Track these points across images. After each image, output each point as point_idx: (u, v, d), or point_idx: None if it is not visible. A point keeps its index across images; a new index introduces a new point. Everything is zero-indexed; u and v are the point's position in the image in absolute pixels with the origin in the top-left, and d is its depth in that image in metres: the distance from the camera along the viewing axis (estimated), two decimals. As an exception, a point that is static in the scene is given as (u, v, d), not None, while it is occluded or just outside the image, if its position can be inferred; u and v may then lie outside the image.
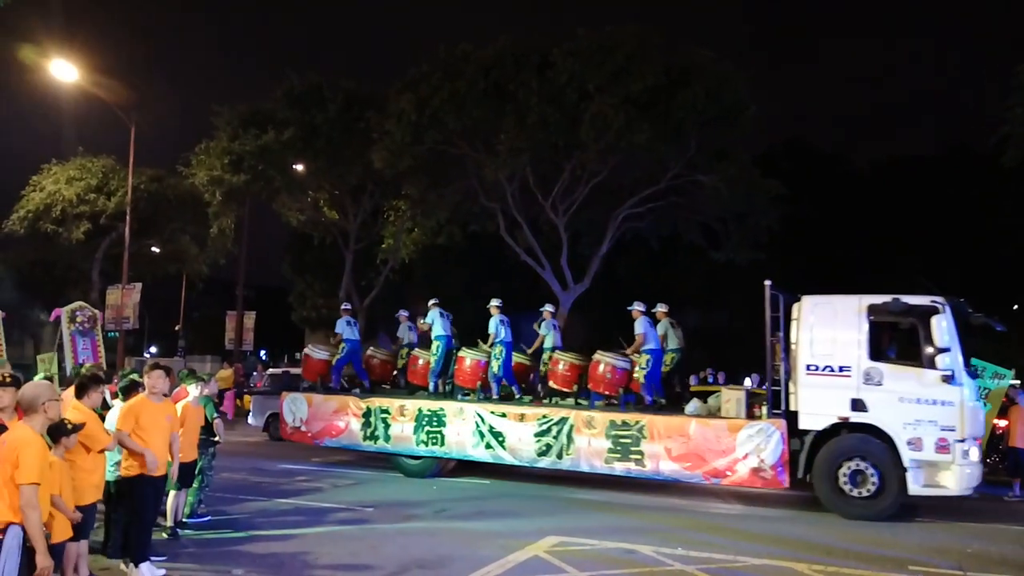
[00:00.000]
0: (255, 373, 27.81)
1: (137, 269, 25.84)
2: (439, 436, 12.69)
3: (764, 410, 10.86)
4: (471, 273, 31.16)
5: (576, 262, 22.28)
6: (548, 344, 13.19)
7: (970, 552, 8.63)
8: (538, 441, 11.91)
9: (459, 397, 13.03)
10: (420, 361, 13.79)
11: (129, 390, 7.30)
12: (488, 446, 12.29)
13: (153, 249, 29.05)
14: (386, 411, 13.14)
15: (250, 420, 19.43)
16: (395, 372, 14.96)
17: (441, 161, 21.54)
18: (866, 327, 10.46)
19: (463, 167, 21.52)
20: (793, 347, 10.86)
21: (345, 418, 13.43)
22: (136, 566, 6.71)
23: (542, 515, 10.10)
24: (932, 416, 9.97)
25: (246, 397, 24.13)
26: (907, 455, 10.02)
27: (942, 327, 10.03)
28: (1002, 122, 17.42)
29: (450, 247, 25.84)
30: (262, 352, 45.81)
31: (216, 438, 9.24)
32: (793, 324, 10.92)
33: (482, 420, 12.36)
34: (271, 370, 22.27)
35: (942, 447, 9.90)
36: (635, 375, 12.04)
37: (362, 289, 27.43)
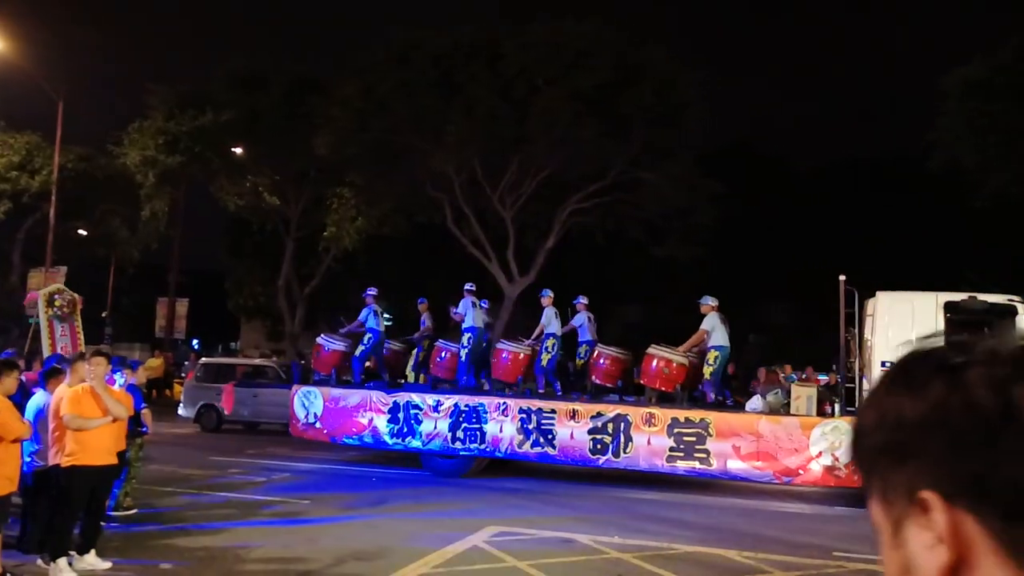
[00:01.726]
0: (187, 362, 27.00)
1: (62, 252, 24.69)
2: (478, 433, 11.90)
3: (836, 407, 10.67)
4: (416, 263, 30.87)
5: (522, 255, 22.25)
6: (582, 338, 12.64)
7: None
8: (592, 439, 11.31)
9: (494, 392, 12.36)
10: (445, 353, 13.05)
11: (51, 376, 6.93)
12: (535, 444, 11.58)
13: (80, 232, 27.83)
14: (417, 407, 12.23)
15: (181, 411, 18.81)
16: (408, 364, 14.30)
17: (387, 150, 21.24)
18: (942, 324, 10.31)
19: (410, 157, 21.25)
20: (868, 343, 10.77)
21: (368, 414, 12.47)
22: (54, 561, 6.38)
23: (482, 505, 10.08)
24: None
25: (176, 386, 23.43)
26: None
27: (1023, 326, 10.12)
28: (929, 129, 18.07)
29: (395, 237, 25.52)
30: (195, 341, 44.52)
31: (143, 428, 8.86)
32: (868, 320, 10.83)
33: (528, 416, 11.66)
34: (204, 359, 21.60)
35: None
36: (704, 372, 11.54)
37: (303, 278, 26.86)
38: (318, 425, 12.83)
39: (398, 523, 8.89)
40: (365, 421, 12.49)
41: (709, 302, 11.63)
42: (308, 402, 12.93)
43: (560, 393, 12.14)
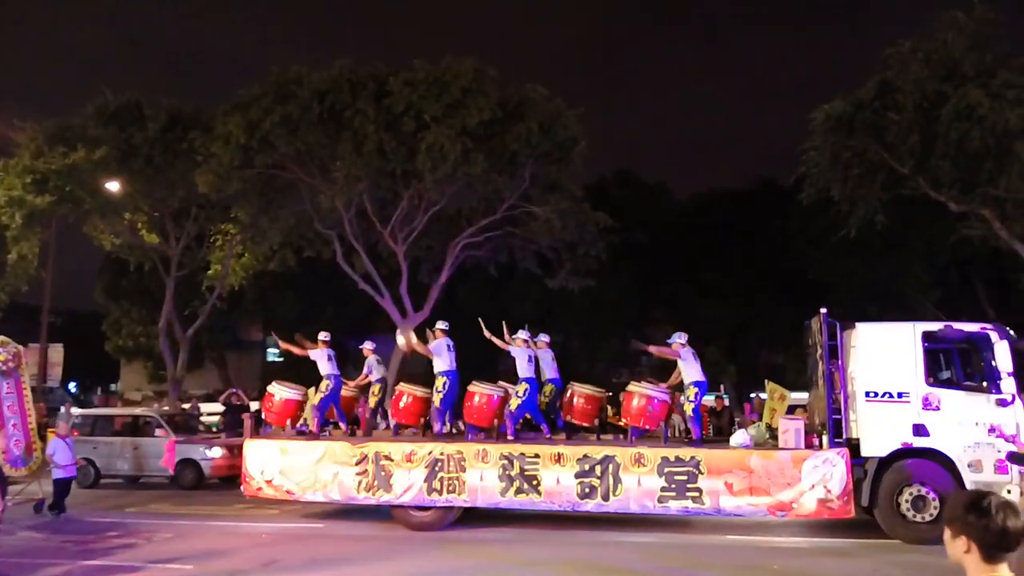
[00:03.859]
0: (61, 410, 25.23)
1: (-83, 298, 22.77)
2: (456, 483, 11.30)
3: (824, 439, 10.67)
4: (306, 299, 30.23)
5: (416, 289, 22.14)
6: (546, 377, 12.22)
7: (776, 568, 9.20)
8: (580, 483, 10.91)
9: (469, 437, 11.86)
10: (406, 398, 12.44)
11: None
12: (519, 491, 11.07)
13: (-62, 276, 25.68)
14: (387, 457, 11.50)
15: (54, 467, 17.54)
16: (358, 409, 13.67)
17: (273, 185, 20.82)
18: (921, 353, 10.65)
19: (296, 192, 20.88)
20: (850, 374, 10.91)
21: (332, 468, 11.63)
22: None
23: (378, 559, 9.84)
24: (990, 438, 10.27)
25: (50, 434, 21.91)
26: (969, 477, 10.22)
27: (1003, 353, 10.39)
28: (800, 163, 19.05)
29: (283, 272, 24.93)
30: (71, 384, 41.84)
31: None
32: (851, 352, 10.96)
33: (511, 463, 11.14)
34: (80, 411, 20.27)
35: (1001, 468, 10.18)
36: (685, 409, 11.52)
37: (186, 318, 25.74)
38: (276, 482, 11.86)
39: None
40: (330, 475, 11.64)
41: (678, 340, 11.55)
42: (264, 458, 11.96)
43: (548, 435, 11.82)
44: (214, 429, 18.75)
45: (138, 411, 19.49)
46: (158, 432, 16.74)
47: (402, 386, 12.80)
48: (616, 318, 30.59)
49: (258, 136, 18.68)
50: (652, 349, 12.02)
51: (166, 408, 22.05)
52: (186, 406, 21.64)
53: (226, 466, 16.32)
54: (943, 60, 16.64)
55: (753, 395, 20.44)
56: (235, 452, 16.31)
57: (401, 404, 12.55)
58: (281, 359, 37.98)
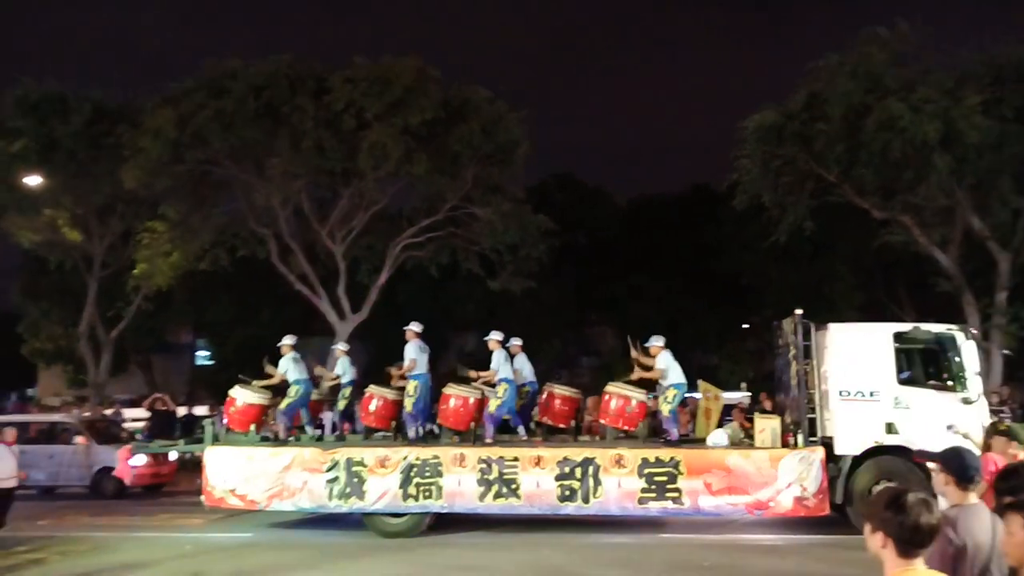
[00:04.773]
0: (-27, 416, 23.93)
1: None
2: (432, 488, 10.96)
3: (799, 438, 10.69)
4: (240, 299, 29.43)
5: (355, 290, 21.72)
6: (524, 379, 11.94)
7: (707, 566, 9.35)
8: (560, 486, 10.73)
9: (445, 441, 11.52)
10: (376, 400, 12.02)
11: None
12: (498, 496, 10.82)
13: None
14: (359, 463, 11.11)
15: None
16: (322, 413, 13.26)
17: (205, 181, 20.17)
18: (892, 353, 10.87)
19: (230, 189, 20.26)
20: (824, 374, 11.02)
21: (301, 475, 11.15)
22: None
23: (306, 568, 9.55)
24: (955, 436, 10.32)
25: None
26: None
27: (970, 352, 10.67)
28: (732, 170, 19.45)
29: (215, 272, 24.12)
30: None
31: None
32: (825, 352, 11.08)
33: (489, 467, 10.88)
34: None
35: None
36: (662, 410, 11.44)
37: (109, 320, 24.69)
38: (240, 491, 11.31)
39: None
40: (299, 483, 11.16)
41: (658, 342, 11.47)
42: (226, 465, 11.39)
43: (525, 437, 11.63)
44: (137, 436, 18.01)
45: (55, 417, 18.58)
46: (76, 439, 15.97)
47: (372, 388, 12.38)
48: (556, 320, 30.71)
49: (190, 130, 18.02)
50: (637, 353, 11.65)
51: (86, 414, 21.13)
52: (108, 412, 20.78)
53: (149, 474, 15.71)
54: (868, 73, 17.18)
55: (687, 395, 20.71)
56: (159, 460, 15.79)
57: (371, 407, 12.15)
58: (211, 363, 36.92)
